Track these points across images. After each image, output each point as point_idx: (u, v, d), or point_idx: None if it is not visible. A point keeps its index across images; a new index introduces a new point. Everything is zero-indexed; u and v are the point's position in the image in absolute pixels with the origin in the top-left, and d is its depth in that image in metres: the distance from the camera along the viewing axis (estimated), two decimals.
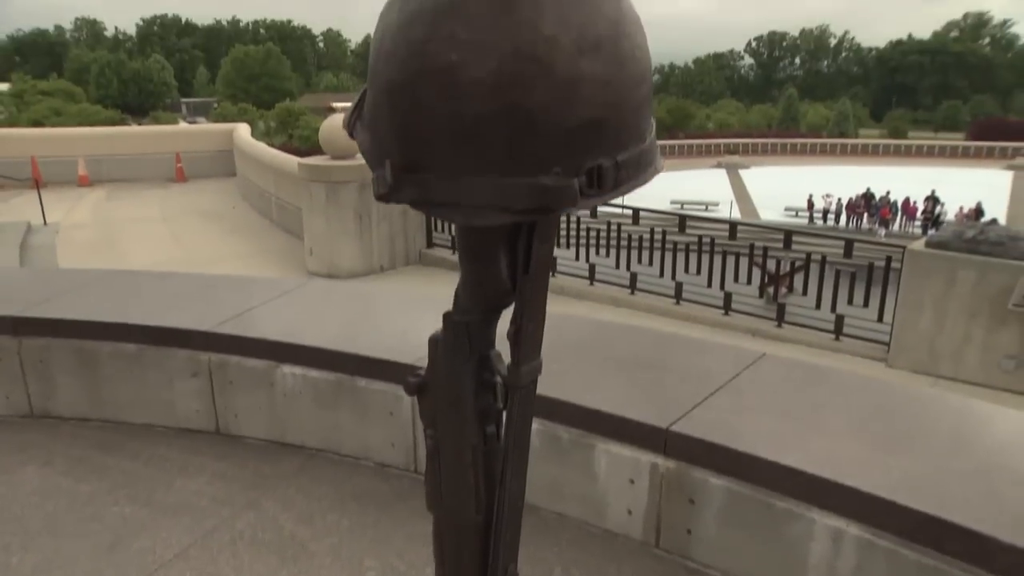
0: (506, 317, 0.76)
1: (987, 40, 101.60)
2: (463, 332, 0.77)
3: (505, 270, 0.72)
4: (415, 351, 2.53)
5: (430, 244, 9.64)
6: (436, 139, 0.63)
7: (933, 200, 30.16)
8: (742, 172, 41.44)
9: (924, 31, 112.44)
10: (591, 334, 2.95)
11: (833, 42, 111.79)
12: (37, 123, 33.79)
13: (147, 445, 2.95)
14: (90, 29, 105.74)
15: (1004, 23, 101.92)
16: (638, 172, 0.67)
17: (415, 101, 0.63)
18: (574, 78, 0.60)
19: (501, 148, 0.61)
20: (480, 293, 0.76)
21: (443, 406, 0.81)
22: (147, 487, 2.67)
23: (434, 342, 0.80)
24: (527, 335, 0.73)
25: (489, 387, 0.79)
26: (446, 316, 0.79)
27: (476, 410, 0.79)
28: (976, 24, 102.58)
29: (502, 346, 0.78)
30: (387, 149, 0.67)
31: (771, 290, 8.62)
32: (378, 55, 0.66)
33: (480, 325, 0.77)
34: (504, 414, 0.78)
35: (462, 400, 0.79)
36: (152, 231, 11.98)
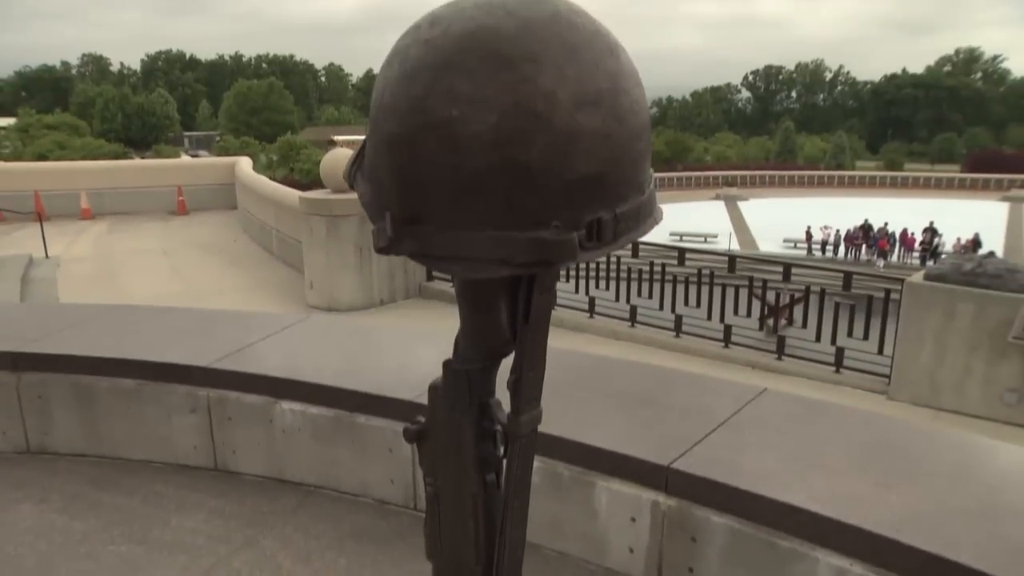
0: (506, 364, 0.76)
1: (979, 75, 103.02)
2: (463, 380, 0.77)
3: (505, 319, 0.72)
4: (414, 387, 2.52)
5: (430, 277, 9.66)
6: (436, 192, 0.63)
7: (931, 231, 30.30)
8: (740, 204, 41.70)
9: (917, 65, 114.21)
10: (591, 369, 2.94)
11: (828, 76, 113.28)
12: (41, 157, 34.09)
13: (144, 482, 2.92)
14: (96, 65, 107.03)
15: (995, 58, 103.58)
16: (637, 224, 0.68)
17: (415, 155, 0.63)
18: (573, 132, 0.61)
19: (500, 202, 0.62)
20: (480, 342, 0.76)
21: (443, 454, 0.80)
22: (143, 525, 2.64)
23: (434, 389, 0.80)
24: (527, 384, 0.73)
25: (489, 435, 0.78)
26: (446, 364, 0.79)
27: (476, 458, 0.78)
28: (968, 59, 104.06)
29: (502, 393, 0.78)
30: (387, 201, 0.68)
31: (771, 322, 8.63)
32: (379, 109, 0.67)
33: (480, 373, 0.77)
34: (504, 462, 0.77)
35: (462, 448, 0.78)
36: (153, 264, 12.01)
